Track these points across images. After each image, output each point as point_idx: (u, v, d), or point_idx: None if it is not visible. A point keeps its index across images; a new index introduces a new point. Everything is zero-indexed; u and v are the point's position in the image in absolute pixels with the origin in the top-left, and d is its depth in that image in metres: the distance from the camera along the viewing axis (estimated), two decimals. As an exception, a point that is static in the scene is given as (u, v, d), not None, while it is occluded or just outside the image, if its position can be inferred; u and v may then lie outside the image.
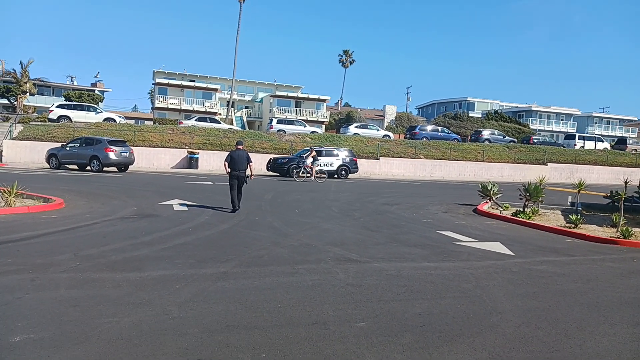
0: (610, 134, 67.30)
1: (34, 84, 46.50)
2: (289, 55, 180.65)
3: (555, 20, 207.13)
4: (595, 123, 71.22)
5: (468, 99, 77.11)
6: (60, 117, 32.27)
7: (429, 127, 41.84)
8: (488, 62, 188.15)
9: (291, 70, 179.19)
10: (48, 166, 24.32)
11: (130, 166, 25.04)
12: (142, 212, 11.04)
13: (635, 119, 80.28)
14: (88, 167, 23.56)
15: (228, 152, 12.35)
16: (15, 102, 44.04)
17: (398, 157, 34.05)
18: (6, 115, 36.78)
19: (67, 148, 23.98)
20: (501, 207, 14.65)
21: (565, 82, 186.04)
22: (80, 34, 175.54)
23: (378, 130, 40.02)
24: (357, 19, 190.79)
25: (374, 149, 34.03)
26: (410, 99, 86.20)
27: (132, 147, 25.55)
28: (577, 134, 49.87)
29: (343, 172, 27.43)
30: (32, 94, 47.89)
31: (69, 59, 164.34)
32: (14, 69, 42.49)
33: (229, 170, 11.65)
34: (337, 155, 27.63)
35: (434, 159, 35.08)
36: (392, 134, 40.78)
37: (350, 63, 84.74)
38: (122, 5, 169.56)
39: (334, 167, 27.28)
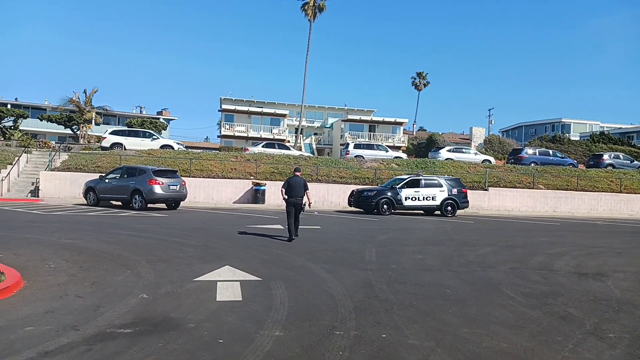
0: None
1: (98, 113, 44.59)
2: (358, 80, 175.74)
3: (632, 39, 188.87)
4: None
5: (562, 120, 67.90)
6: (113, 145, 28.74)
7: (537, 150, 34.37)
8: (575, 83, 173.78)
9: (360, 95, 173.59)
10: (86, 202, 20.06)
11: (182, 202, 20.30)
12: (150, 311, 5.53)
13: None
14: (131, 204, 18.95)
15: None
16: (78, 132, 42.01)
17: (511, 187, 26.94)
18: (67, 145, 34.07)
19: (107, 180, 19.46)
20: None
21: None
22: (150, 63, 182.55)
23: (476, 154, 33.18)
24: (430, 43, 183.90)
25: (479, 177, 27.27)
26: (493, 122, 78.30)
27: (184, 179, 20.83)
28: None
29: (449, 208, 20.96)
30: (97, 124, 46.01)
31: (139, 90, 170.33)
32: (78, 98, 40.35)
33: (285, 197, 11.52)
34: (441, 185, 21.19)
35: (556, 189, 27.64)
36: (493, 158, 33.75)
37: (424, 85, 78.62)
38: (191, 36, 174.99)
39: (437, 202, 20.92)
